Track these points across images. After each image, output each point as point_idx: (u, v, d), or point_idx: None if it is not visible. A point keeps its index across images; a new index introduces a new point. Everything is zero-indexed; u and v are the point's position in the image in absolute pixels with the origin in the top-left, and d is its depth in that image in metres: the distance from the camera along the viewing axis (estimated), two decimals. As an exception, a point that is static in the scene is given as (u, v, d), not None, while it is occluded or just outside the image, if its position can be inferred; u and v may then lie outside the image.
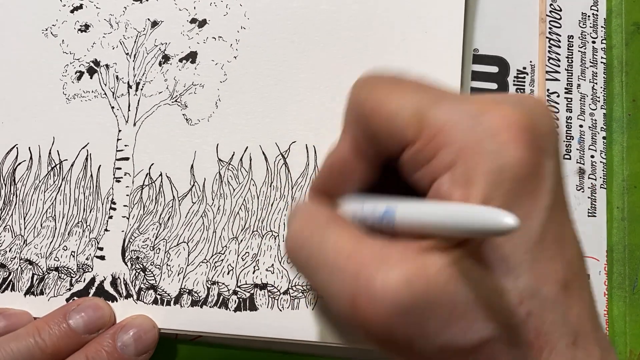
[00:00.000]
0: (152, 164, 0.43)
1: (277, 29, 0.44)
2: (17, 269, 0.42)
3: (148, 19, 0.45)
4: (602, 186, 0.45)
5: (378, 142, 0.28)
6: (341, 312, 0.26)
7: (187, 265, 0.41)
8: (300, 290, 0.41)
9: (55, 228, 0.42)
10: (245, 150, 0.42)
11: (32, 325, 0.39)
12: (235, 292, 0.41)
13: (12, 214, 0.43)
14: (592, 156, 0.46)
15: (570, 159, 0.45)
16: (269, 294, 0.41)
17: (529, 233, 0.25)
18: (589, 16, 0.48)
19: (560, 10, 0.48)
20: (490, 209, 0.22)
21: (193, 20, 0.44)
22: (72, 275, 0.42)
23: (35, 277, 0.42)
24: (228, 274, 0.41)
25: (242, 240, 0.41)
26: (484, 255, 0.25)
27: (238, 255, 0.41)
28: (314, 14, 0.44)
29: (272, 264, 0.41)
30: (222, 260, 0.41)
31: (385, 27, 0.43)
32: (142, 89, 0.44)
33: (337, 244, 0.27)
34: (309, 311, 0.40)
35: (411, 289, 0.23)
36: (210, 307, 0.41)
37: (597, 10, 0.48)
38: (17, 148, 0.43)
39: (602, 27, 0.48)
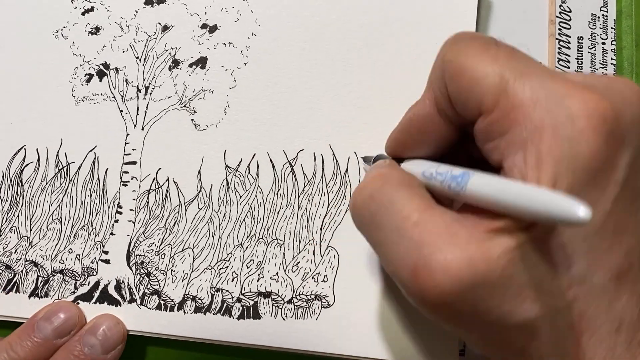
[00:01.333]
0: (160, 169, 0.42)
1: (287, 36, 0.43)
2: (22, 270, 0.42)
3: (159, 23, 0.44)
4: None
5: (458, 104, 0.28)
6: (398, 276, 0.26)
7: (192, 271, 0.41)
8: (304, 300, 0.40)
9: (61, 230, 0.42)
10: (253, 157, 0.42)
11: (4, 341, 0.39)
12: (239, 300, 0.41)
13: (18, 215, 0.43)
14: (603, 163, 0.45)
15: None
16: (273, 302, 0.40)
17: (590, 223, 0.24)
18: (598, 17, 0.47)
19: (570, 11, 0.47)
20: (568, 198, 0.22)
21: (204, 26, 0.44)
22: (76, 278, 0.41)
23: (40, 279, 0.42)
24: (232, 281, 0.41)
25: (247, 248, 0.41)
26: (545, 240, 0.25)
27: (243, 263, 0.41)
28: (325, 22, 0.43)
29: (277, 272, 0.41)
30: (227, 267, 0.41)
31: (396, 37, 0.43)
32: (151, 93, 0.44)
33: (405, 208, 0.27)
34: (312, 321, 0.40)
35: (472, 271, 0.24)
36: (213, 314, 0.40)
37: (607, 11, 0.47)
38: (24, 149, 0.43)
39: (612, 28, 0.47)
